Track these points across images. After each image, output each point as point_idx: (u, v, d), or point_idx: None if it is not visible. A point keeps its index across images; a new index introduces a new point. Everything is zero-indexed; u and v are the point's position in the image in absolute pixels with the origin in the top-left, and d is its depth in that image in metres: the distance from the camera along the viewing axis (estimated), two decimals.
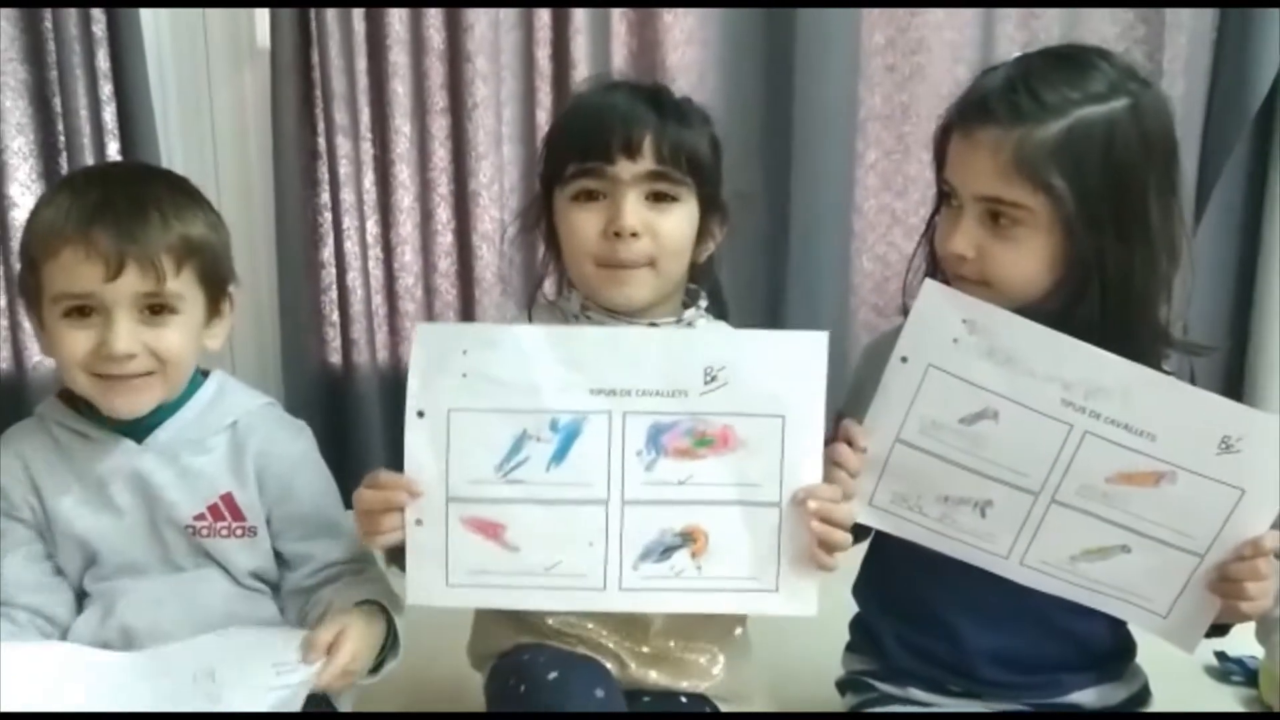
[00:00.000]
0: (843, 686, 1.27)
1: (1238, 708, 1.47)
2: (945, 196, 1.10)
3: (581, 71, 1.95)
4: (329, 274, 2.03)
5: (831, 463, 1.04)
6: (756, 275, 2.08)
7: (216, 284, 1.14)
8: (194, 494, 1.15)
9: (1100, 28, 2.04)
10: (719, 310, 1.24)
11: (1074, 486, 1.02)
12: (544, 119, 1.99)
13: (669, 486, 1.02)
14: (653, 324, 1.14)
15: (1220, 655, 1.50)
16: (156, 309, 1.08)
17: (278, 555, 1.20)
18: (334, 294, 2.03)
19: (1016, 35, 2.04)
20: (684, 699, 1.19)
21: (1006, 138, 1.01)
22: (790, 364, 1.00)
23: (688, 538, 1.03)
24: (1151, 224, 1.03)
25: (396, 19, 1.91)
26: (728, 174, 1.96)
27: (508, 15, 1.96)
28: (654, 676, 1.19)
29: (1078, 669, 1.16)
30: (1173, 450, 0.99)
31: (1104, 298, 1.02)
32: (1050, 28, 2.04)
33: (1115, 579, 1.05)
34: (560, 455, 1.01)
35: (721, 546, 1.03)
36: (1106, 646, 1.16)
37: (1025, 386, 1.00)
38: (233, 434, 1.18)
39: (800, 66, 1.98)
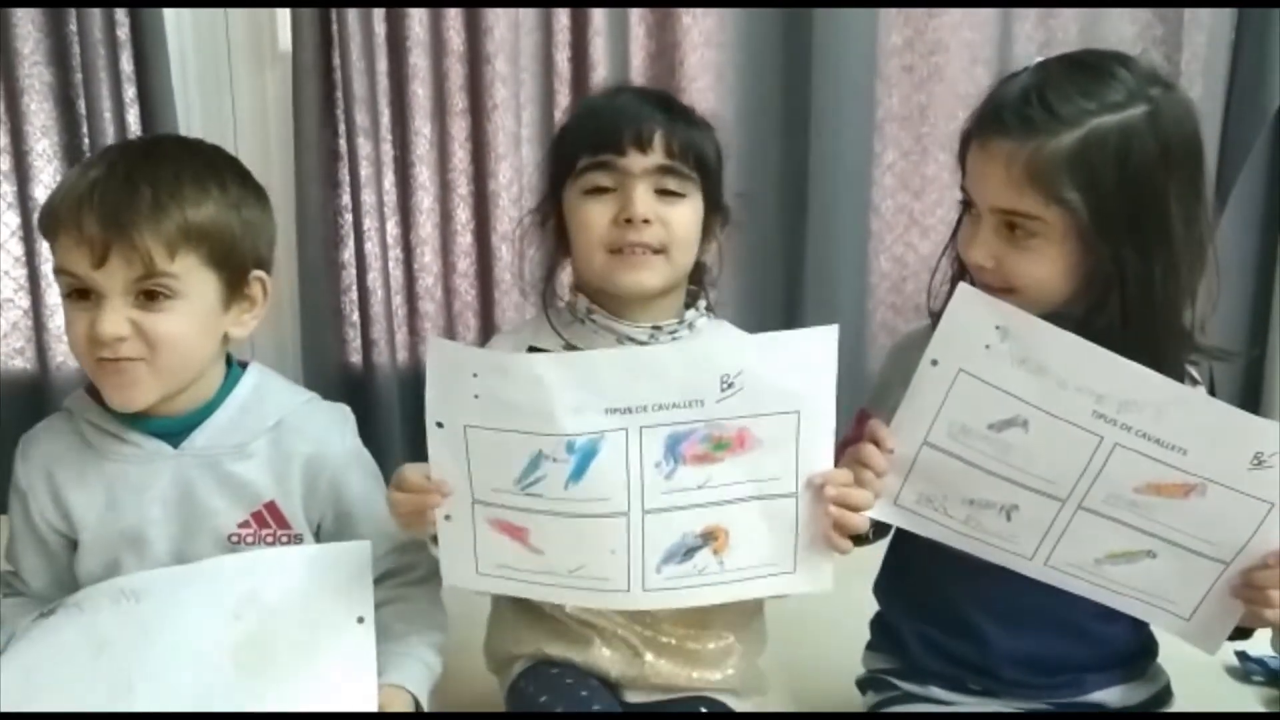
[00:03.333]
0: (863, 685, 1.28)
1: (1259, 708, 1.47)
2: (966, 204, 1.10)
3: (600, 74, 1.96)
4: (349, 275, 2.04)
5: (858, 463, 1.04)
6: (774, 276, 2.09)
7: (234, 268, 1.08)
8: (237, 502, 1.12)
9: (1119, 27, 2.05)
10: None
11: (1102, 495, 1.02)
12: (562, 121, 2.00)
13: (688, 492, 1.02)
14: (656, 327, 1.15)
15: (1241, 655, 1.51)
16: (151, 294, 1.03)
17: None
18: (354, 294, 2.04)
19: (1034, 35, 2.05)
20: (703, 709, 1.19)
21: (1019, 150, 1.00)
22: (804, 360, 1.00)
23: (709, 537, 1.04)
24: (1173, 232, 1.01)
25: (416, 21, 1.92)
26: (746, 172, 2.01)
27: (527, 17, 1.97)
28: (668, 669, 1.19)
29: (1100, 669, 1.16)
30: (1204, 465, 0.99)
31: (1124, 306, 1.02)
32: (1068, 27, 2.05)
33: (1139, 582, 1.05)
34: (578, 474, 1.00)
35: (742, 540, 1.04)
36: (1129, 648, 1.17)
37: (1057, 396, 0.99)
38: (276, 436, 1.13)
39: (818, 68, 1.99)
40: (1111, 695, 1.17)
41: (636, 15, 1.97)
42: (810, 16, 1.96)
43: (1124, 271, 1.01)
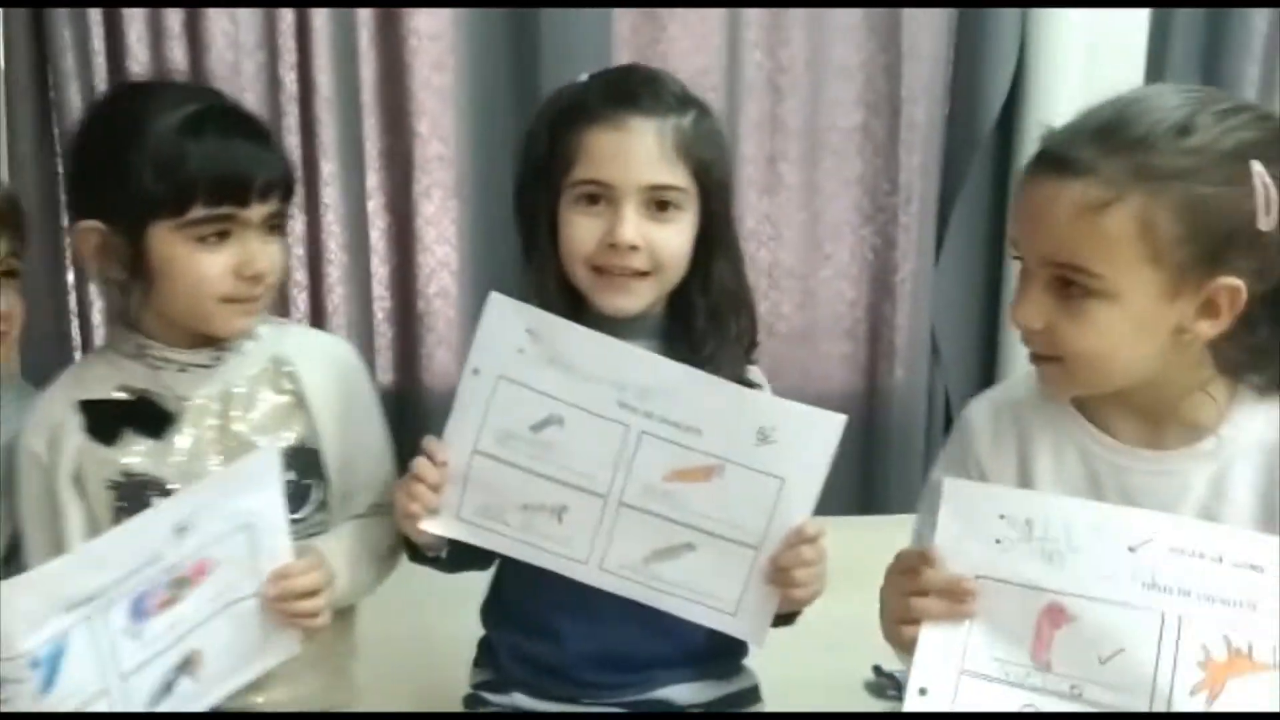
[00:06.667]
0: (467, 703, 1.28)
1: None
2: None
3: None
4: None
5: (410, 477, 1.06)
6: None
7: None
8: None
9: (844, 55, 2.11)
10: None
11: (637, 488, 1.05)
12: None
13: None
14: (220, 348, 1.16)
15: (877, 670, 1.52)
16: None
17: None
18: None
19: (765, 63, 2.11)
20: None
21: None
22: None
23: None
24: None
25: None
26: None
27: None
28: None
29: (674, 665, 1.19)
30: (717, 444, 1.03)
31: None
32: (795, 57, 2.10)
33: (685, 579, 1.08)
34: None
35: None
36: (709, 645, 1.18)
37: (585, 391, 1.04)
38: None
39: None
40: (681, 692, 1.20)
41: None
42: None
43: None
